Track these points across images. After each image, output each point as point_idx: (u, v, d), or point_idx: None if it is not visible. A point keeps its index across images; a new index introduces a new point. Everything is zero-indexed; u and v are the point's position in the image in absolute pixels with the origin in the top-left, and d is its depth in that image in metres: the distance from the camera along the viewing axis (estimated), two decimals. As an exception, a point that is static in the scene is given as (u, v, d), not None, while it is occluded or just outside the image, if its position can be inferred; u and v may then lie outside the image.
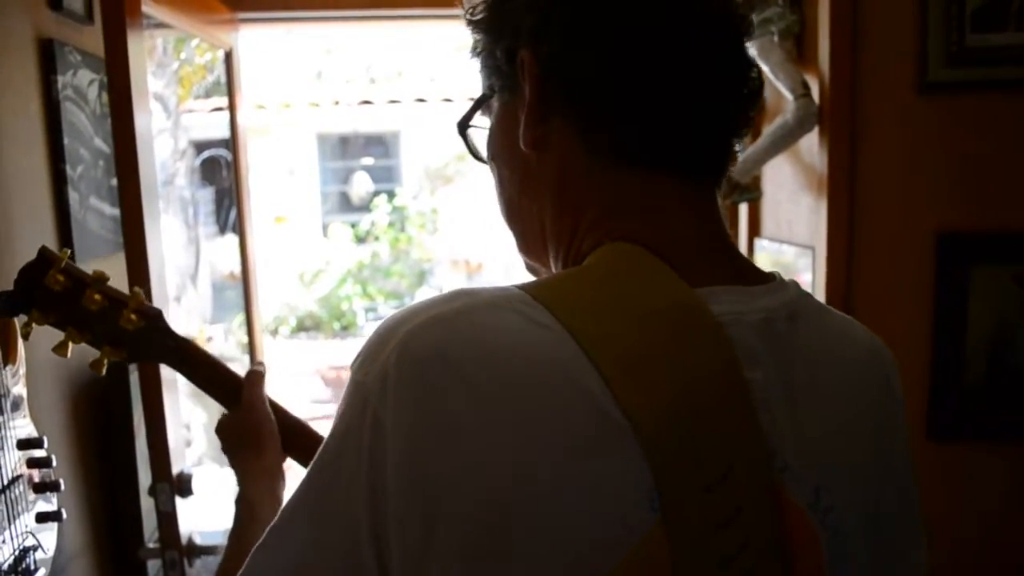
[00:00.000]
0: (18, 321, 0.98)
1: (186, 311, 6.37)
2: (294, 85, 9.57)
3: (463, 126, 0.74)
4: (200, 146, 7.41)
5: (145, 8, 1.82)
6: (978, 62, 1.48)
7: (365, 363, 0.57)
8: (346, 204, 10.41)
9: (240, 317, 5.38)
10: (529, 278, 0.68)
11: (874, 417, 0.67)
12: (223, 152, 7.99)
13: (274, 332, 9.16)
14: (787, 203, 1.73)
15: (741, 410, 0.57)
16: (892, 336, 1.56)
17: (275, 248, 9.53)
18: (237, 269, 3.09)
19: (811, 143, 1.59)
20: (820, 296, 1.59)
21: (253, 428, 0.98)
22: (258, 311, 2.92)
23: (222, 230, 8.52)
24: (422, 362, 0.53)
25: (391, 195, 9.81)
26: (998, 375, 1.55)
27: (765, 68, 1.61)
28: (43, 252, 0.96)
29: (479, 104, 0.72)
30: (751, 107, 0.68)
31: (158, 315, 0.99)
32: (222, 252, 7.91)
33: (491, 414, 0.52)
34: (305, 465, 1.02)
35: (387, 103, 9.30)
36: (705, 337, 0.58)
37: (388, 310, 9.22)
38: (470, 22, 0.69)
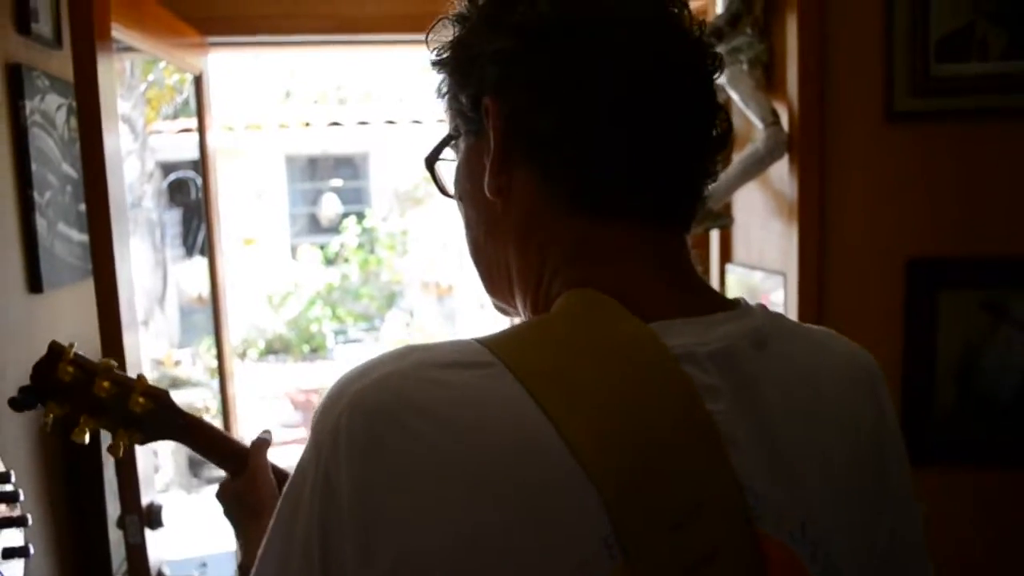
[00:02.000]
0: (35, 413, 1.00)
1: (154, 335, 6.28)
2: (263, 106, 9.53)
3: (430, 162, 0.74)
4: (168, 167, 7.34)
5: (115, 33, 1.80)
6: (943, 92, 1.51)
7: (320, 419, 0.57)
8: (315, 226, 10.35)
9: (208, 340, 5.29)
10: (499, 317, 0.69)
11: (862, 437, 0.65)
12: (191, 174, 7.90)
13: (243, 355, 9.05)
14: (758, 229, 1.75)
15: (704, 444, 0.56)
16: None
17: (244, 270, 9.45)
18: (205, 292, 3.06)
19: (781, 170, 1.61)
20: (792, 320, 1.61)
21: (257, 496, 0.98)
22: (227, 334, 2.89)
23: (189, 252, 8.42)
24: (370, 415, 0.54)
25: (360, 217, 9.77)
26: (967, 399, 1.58)
27: (735, 96, 1.64)
28: (52, 346, 0.99)
29: (445, 143, 0.73)
30: (718, 152, 0.67)
31: (165, 395, 1.02)
32: (190, 275, 7.82)
33: (438, 464, 0.52)
34: None
35: (356, 124, 9.29)
36: (659, 372, 0.57)
37: (358, 332, 9.16)
38: (435, 63, 0.70)
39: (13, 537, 1.35)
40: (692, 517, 0.55)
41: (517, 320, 0.71)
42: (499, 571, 0.52)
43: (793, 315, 1.60)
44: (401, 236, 9.66)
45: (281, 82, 9.93)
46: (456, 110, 0.69)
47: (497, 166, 0.64)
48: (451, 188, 0.74)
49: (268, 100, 9.75)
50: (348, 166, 10.51)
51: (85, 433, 1.01)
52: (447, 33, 0.69)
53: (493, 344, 0.57)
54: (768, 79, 1.65)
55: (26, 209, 1.72)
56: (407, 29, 2.73)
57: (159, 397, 1.01)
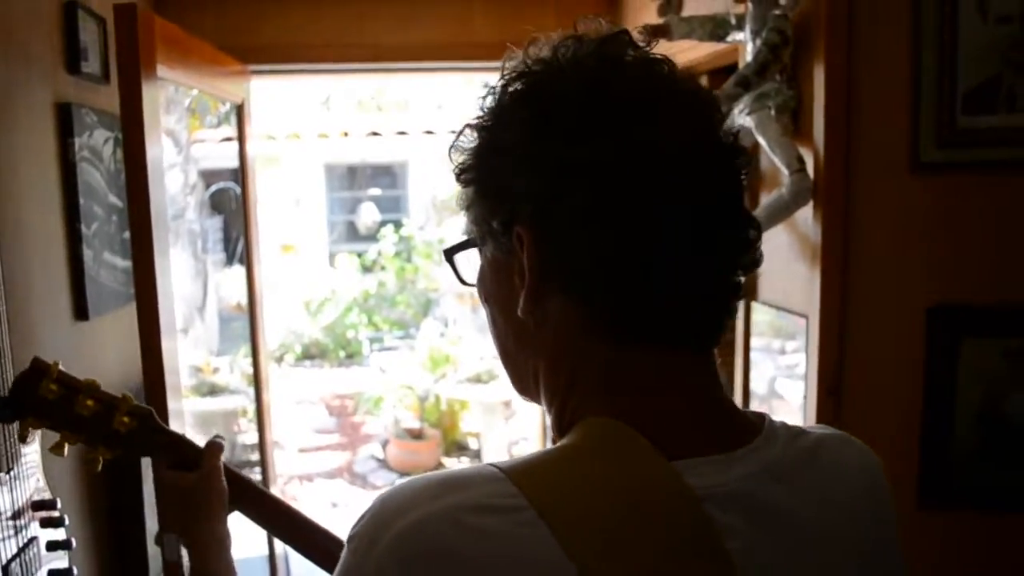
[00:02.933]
0: (15, 427, 1.06)
1: (193, 343, 6.42)
2: (302, 115, 9.67)
3: (450, 255, 0.76)
4: (210, 175, 7.49)
5: (160, 71, 1.87)
6: (969, 143, 1.52)
7: (359, 552, 0.60)
8: (353, 234, 10.49)
9: (246, 348, 5.41)
10: None
11: (866, 552, 0.69)
12: (232, 184, 8.06)
13: (279, 360, 9.20)
14: (783, 271, 1.77)
15: None
16: (883, 406, 1.60)
17: (282, 277, 9.60)
18: (244, 300, 3.13)
19: (807, 214, 1.63)
20: (813, 363, 1.63)
21: (207, 497, 1.01)
22: (264, 341, 2.96)
23: (230, 260, 8.59)
24: (409, 565, 0.57)
25: (398, 225, 9.88)
26: (987, 446, 1.58)
27: (762, 142, 1.66)
28: (35, 363, 1.03)
29: (470, 245, 0.74)
30: (752, 269, 0.69)
31: (149, 414, 1.06)
32: (230, 282, 7.97)
33: None
34: (254, 519, 1.09)
35: (395, 134, 9.39)
36: (681, 514, 0.60)
37: (393, 340, 9.26)
38: (458, 178, 0.70)
39: (59, 559, 1.41)
40: None
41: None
42: None
43: (814, 358, 1.62)
44: (438, 245, 9.74)
45: (321, 92, 10.07)
46: (483, 226, 0.69)
47: (532, 294, 0.65)
48: (468, 278, 0.75)
49: (308, 110, 9.89)
50: (386, 175, 10.64)
51: (64, 447, 1.05)
52: (470, 141, 0.69)
53: (522, 482, 0.59)
54: (795, 125, 1.66)
55: (73, 241, 1.79)
56: (444, 57, 2.80)
57: (144, 416, 1.04)
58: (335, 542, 1.05)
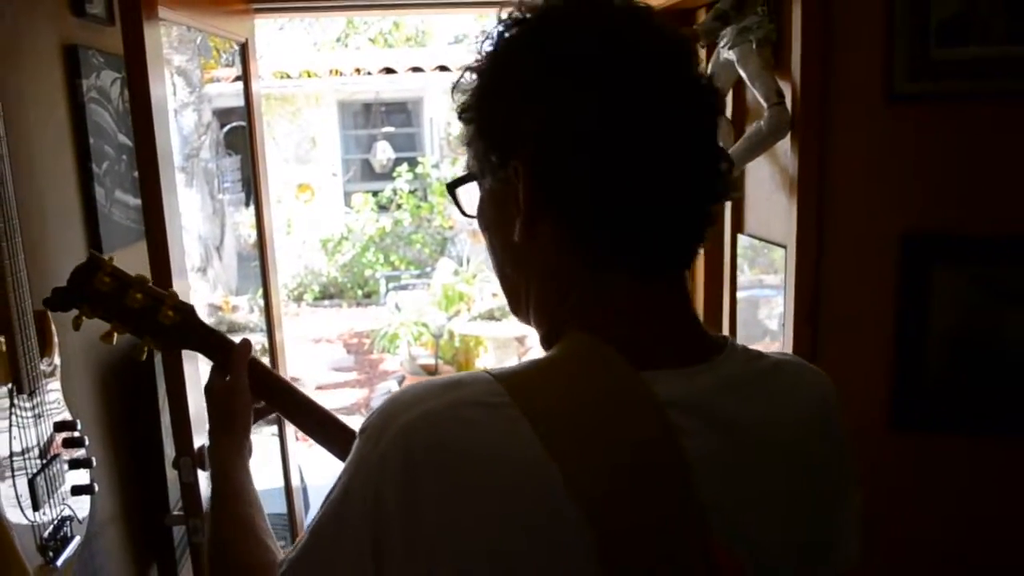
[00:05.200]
0: (69, 315, 1.13)
1: (212, 281, 6.55)
2: (316, 52, 9.64)
3: (452, 188, 0.84)
4: (225, 114, 7.53)
5: (162, 14, 1.93)
6: (942, 75, 1.54)
7: (371, 440, 0.70)
8: (368, 172, 10.52)
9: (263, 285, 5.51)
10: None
11: (810, 468, 0.77)
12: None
13: (298, 299, 9.35)
14: (765, 202, 1.82)
15: (677, 471, 0.69)
16: (858, 331, 1.67)
17: (298, 216, 9.69)
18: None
19: (786, 147, 1.68)
20: (791, 291, 1.69)
21: (232, 407, 1.10)
22: (275, 281, 3.04)
23: (247, 199, 8.67)
24: (413, 449, 0.66)
25: (413, 163, 9.90)
26: (957, 370, 1.64)
27: (744, 74, 1.70)
28: (92, 256, 1.12)
29: (471, 179, 0.81)
30: (723, 200, 0.77)
31: (191, 310, 1.15)
32: (247, 222, 8.07)
33: (464, 490, 0.65)
34: (288, 418, 1.20)
35: (409, 71, 9.34)
36: (649, 419, 0.69)
37: (410, 278, 9.37)
38: (461, 117, 0.78)
39: (81, 477, 1.53)
40: (661, 530, 0.68)
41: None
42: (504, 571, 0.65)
43: (791, 286, 1.68)
44: (453, 182, 9.76)
45: (334, 29, 10.01)
46: (484, 161, 0.77)
47: (527, 220, 0.73)
48: (470, 209, 0.84)
49: (321, 47, 9.85)
50: (401, 112, 10.60)
51: (113, 336, 1.13)
52: (470, 82, 0.77)
53: (508, 384, 0.68)
54: (776, 58, 1.70)
55: (85, 180, 1.87)
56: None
57: (187, 312, 1.13)
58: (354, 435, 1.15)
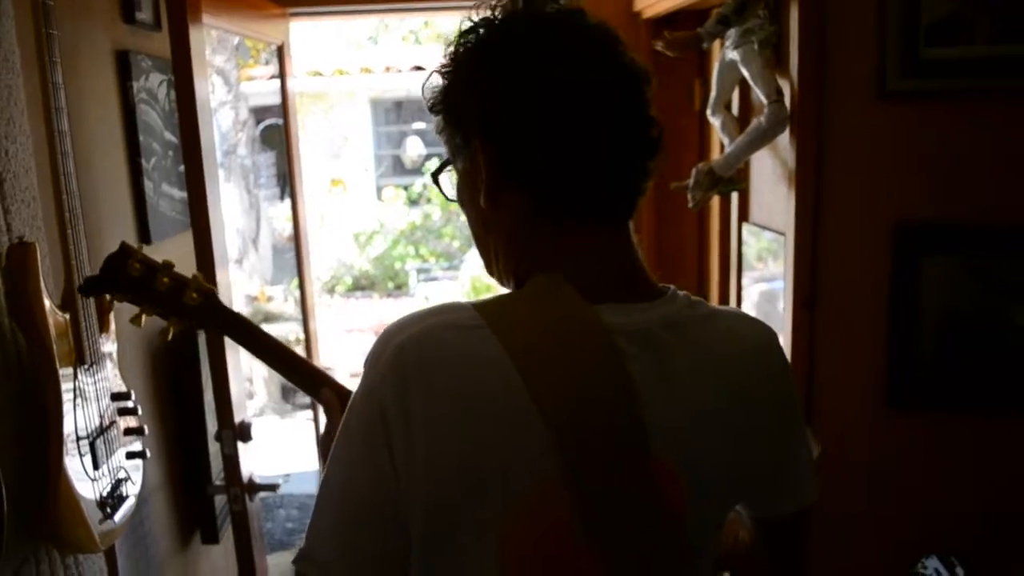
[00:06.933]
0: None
1: (248, 273, 6.76)
2: (348, 51, 9.81)
3: (435, 176, 0.99)
4: (261, 111, 7.74)
5: (205, 20, 2.08)
6: (931, 73, 1.64)
7: (372, 361, 0.84)
8: (399, 167, 10.70)
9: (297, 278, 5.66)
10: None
11: (747, 399, 0.89)
12: (282, 121, 8.26)
13: (331, 290, 9.54)
14: (768, 193, 1.93)
15: (623, 392, 0.82)
16: (853, 316, 1.77)
17: (332, 210, 9.88)
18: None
19: (786, 141, 1.78)
20: (790, 278, 1.80)
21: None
22: (310, 272, 3.20)
23: (282, 194, 8.88)
24: (405, 365, 0.81)
25: (443, 158, 10.02)
26: (946, 352, 1.74)
27: (746, 74, 1.80)
28: (124, 245, 1.24)
29: (446, 165, 0.96)
30: (654, 156, 0.90)
31: (212, 293, 1.27)
32: (282, 215, 8.29)
33: (449, 397, 0.80)
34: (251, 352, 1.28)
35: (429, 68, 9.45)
36: (596, 340, 0.83)
37: (439, 271, 9.52)
38: (430, 108, 0.93)
39: (134, 444, 1.68)
40: (609, 441, 0.82)
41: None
42: (479, 467, 0.81)
43: (790, 273, 1.79)
44: (482, 177, 9.86)
45: (366, 27, 10.17)
46: (452, 144, 0.92)
47: (488, 189, 0.88)
48: (451, 193, 0.98)
49: (353, 46, 10.02)
50: (431, 109, 10.72)
51: (141, 318, 1.26)
52: (438, 81, 0.91)
53: (484, 311, 0.83)
54: (777, 59, 1.80)
55: (135, 174, 2.03)
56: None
57: (208, 294, 1.25)
58: (317, 372, 1.27)
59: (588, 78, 0.85)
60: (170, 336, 1.29)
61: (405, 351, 0.81)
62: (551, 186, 0.86)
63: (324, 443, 1.22)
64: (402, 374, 0.81)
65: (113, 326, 1.63)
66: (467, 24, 0.90)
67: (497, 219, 0.90)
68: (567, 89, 0.84)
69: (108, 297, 1.28)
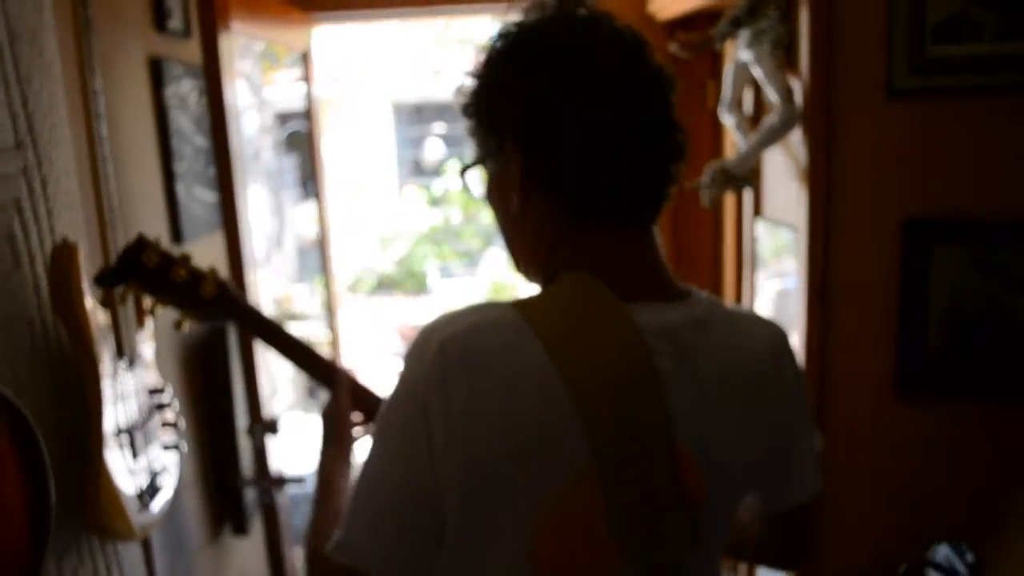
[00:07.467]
0: (117, 291, 1.27)
1: (273, 273, 6.87)
2: (369, 56, 9.90)
3: (463, 174, 1.02)
4: (285, 116, 7.84)
5: (234, 27, 2.15)
6: (938, 71, 1.68)
7: (414, 357, 0.87)
8: (420, 169, 10.79)
9: (321, 278, 5.70)
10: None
11: (762, 395, 0.94)
12: (306, 126, 8.35)
13: (355, 291, 9.64)
14: (781, 189, 1.97)
15: (652, 387, 0.86)
16: (864, 309, 1.81)
17: (356, 212, 9.98)
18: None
19: (798, 138, 1.83)
20: (802, 271, 1.84)
21: (341, 429, 1.25)
22: (333, 272, 3.27)
23: (306, 196, 9.00)
24: (450, 361, 0.83)
25: (463, 160, 10.08)
26: (955, 344, 1.78)
27: (758, 74, 1.85)
28: (140, 237, 1.27)
29: (477, 164, 0.99)
30: (679, 163, 0.93)
31: (226, 285, 1.29)
32: (306, 217, 8.39)
33: (491, 393, 0.83)
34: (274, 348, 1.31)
35: (459, 72, 9.53)
36: (628, 337, 0.87)
37: (460, 270, 9.59)
38: (463, 112, 0.96)
39: (170, 437, 1.75)
40: (639, 435, 0.86)
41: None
42: (516, 464, 0.84)
43: (804, 267, 1.83)
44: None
45: (386, 33, 10.26)
46: (484, 146, 0.95)
47: (521, 193, 0.91)
48: (477, 191, 1.02)
49: (375, 50, 10.11)
50: (451, 112, 10.79)
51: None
52: (470, 84, 0.95)
53: (523, 310, 0.87)
54: (789, 59, 1.84)
55: (168, 177, 2.10)
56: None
57: (223, 286, 1.26)
58: (331, 366, 1.28)
59: (621, 83, 0.88)
60: (185, 327, 1.30)
61: (448, 349, 0.83)
62: (582, 189, 0.89)
63: (327, 417, 1.25)
64: (445, 371, 0.83)
65: (150, 324, 1.70)
66: (500, 27, 0.93)
67: (527, 219, 0.93)
68: (602, 94, 0.87)
69: (137, 294, 1.29)
